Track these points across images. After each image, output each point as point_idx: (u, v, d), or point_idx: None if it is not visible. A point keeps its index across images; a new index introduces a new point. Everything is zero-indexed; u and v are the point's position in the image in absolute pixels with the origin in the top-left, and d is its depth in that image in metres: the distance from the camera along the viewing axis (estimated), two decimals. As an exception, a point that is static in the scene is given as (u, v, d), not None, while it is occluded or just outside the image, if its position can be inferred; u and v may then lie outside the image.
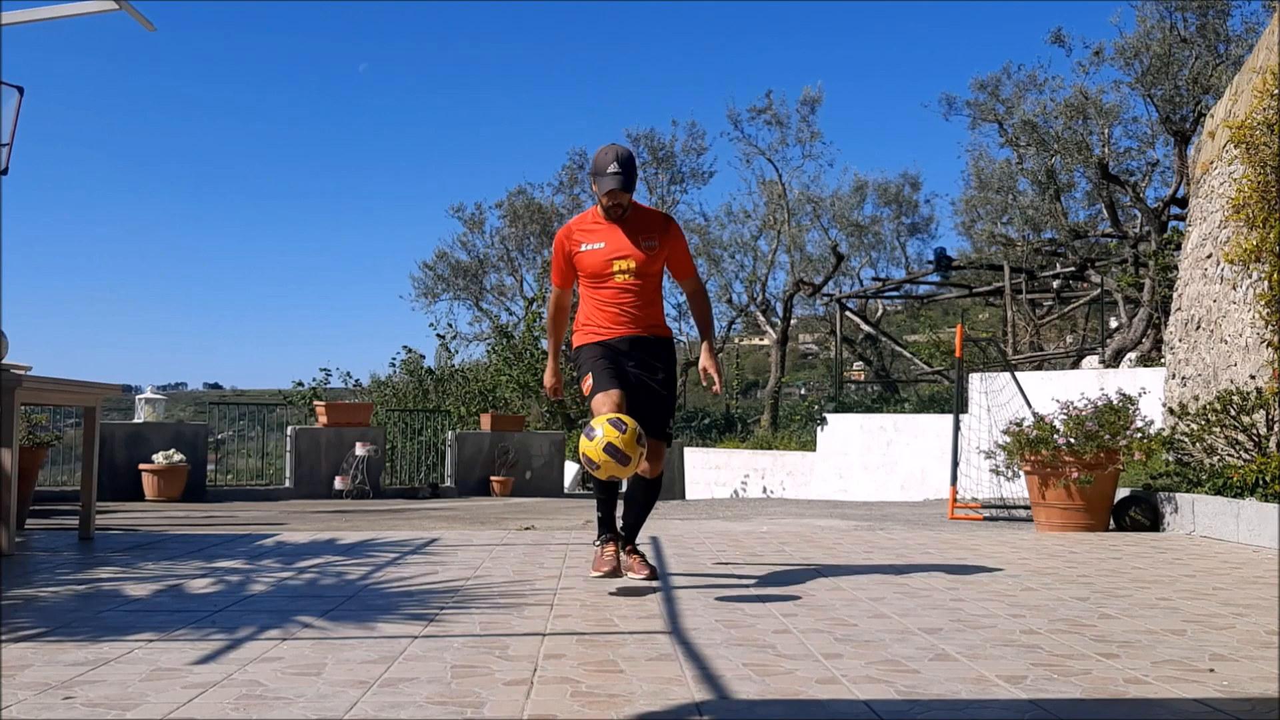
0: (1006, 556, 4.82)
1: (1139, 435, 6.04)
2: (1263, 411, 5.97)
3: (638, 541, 4.19)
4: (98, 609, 3.32)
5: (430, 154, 73.04)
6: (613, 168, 3.87)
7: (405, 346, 19.90)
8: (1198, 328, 6.90)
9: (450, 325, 20.52)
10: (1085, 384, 11.04)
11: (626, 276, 3.94)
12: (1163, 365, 7.73)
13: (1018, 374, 9.15)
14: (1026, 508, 6.72)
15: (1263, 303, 6.07)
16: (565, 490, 14.08)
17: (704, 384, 4.10)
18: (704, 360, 4.15)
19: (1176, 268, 8.62)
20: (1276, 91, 6.17)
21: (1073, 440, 5.98)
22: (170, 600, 3.53)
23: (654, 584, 3.86)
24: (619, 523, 4.02)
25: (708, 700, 2.26)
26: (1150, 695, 2.32)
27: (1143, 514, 6.13)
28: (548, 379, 4.31)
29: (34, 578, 4.03)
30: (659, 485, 4.06)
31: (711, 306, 4.34)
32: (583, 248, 3.99)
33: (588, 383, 3.90)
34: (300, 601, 3.48)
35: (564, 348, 4.43)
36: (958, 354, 8.33)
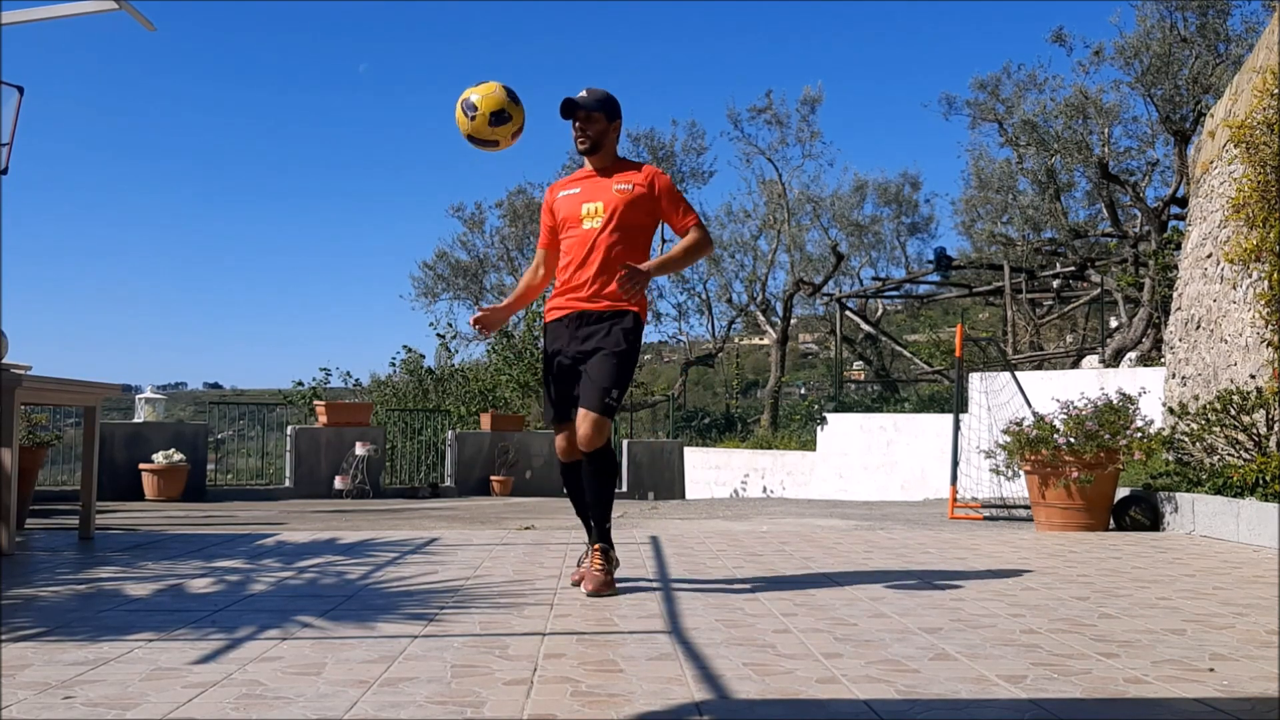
0: (1006, 556, 4.82)
1: (1139, 435, 6.04)
2: (1263, 411, 5.96)
3: (612, 538, 3.83)
4: (98, 609, 3.32)
5: (430, 153, 73.10)
6: (580, 93, 3.75)
7: (405, 346, 19.92)
8: (1198, 327, 6.90)
9: (450, 325, 20.50)
10: (1085, 383, 11.04)
11: (594, 221, 3.70)
12: (1163, 365, 7.73)
13: (1018, 373, 9.16)
14: (1026, 507, 6.72)
15: (1263, 302, 6.07)
16: (564, 490, 14.07)
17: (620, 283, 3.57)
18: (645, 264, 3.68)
19: (1176, 267, 8.64)
20: (1276, 91, 6.17)
21: (1073, 440, 5.98)
22: (170, 600, 3.52)
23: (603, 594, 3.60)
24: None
25: (708, 700, 2.26)
26: (1150, 695, 2.32)
27: (1143, 513, 6.13)
28: (484, 309, 3.87)
29: (34, 577, 4.03)
30: (607, 464, 3.69)
31: (699, 254, 3.83)
32: (560, 194, 3.84)
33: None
34: (300, 601, 3.48)
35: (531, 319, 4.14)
36: (958, 354, 8.33)
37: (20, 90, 5.40)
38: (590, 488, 3.76)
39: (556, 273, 3.88)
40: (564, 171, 24.52)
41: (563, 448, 3.83)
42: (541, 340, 3.93)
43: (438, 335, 19.95)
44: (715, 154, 53.82)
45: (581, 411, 3.63)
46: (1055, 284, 21.72)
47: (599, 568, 3.69)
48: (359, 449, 11.80)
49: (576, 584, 3.77)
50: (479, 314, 3.88)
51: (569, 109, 3.73)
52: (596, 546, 3.75)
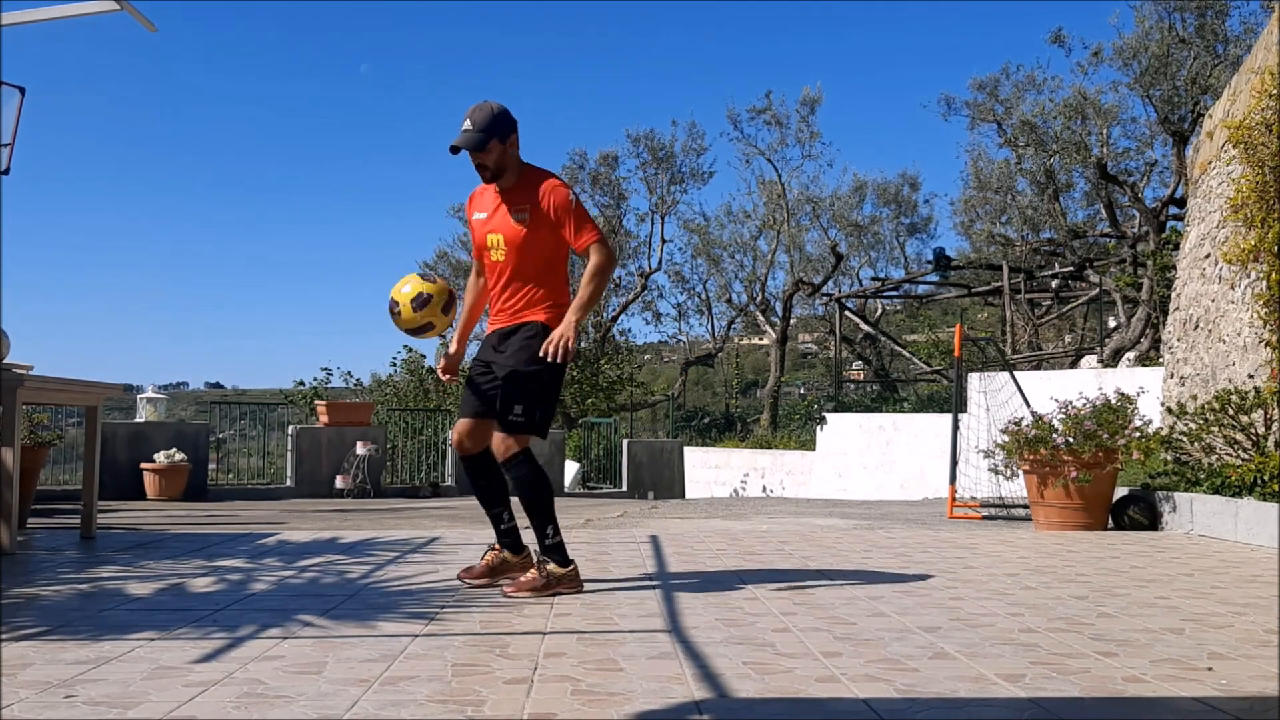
0: (1005, 555, 4.83)
1: (1137, 434, 6.05)
2: (1261, 411, 5.97)
3: (558, 550, 3.66)
4: (99, 608, 3.33)
5: (431, 153, 73.20)
6: (464, 127, 3.57)
7: (406, 346, 19.92)
8: (1196, 327, 6.91)
9: (451, 325, 20.51)
10: (1084, 383, 11.05)
11: (499, 254, 3.66)
12: (1161, 365, 7.74)
13: (1016, 373, 9.16)
14: (1025, 507, 6.73)
15: (1260, 302, 6.08)
16: (565, 489, 14.08)
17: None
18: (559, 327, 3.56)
19: (1175, 267, 8.65)
20: (1275, 92, 6.18)
21: (1071, 439, 5.99)
22: (172, 599, 3.53)
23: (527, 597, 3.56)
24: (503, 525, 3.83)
25: (708, 699, 2.27)
26: (1149, 694, 2.33)
27: (1141, 513, 6.14)
28: (440, 358, 3.92)
29: (36, 576, 4.04)
30: (523, 473, 3.60)
31: (605, 277, 3.65)
32: (474, 216, 3.78)
33: None
34: (301, 600, 3.49)
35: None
36: (957, 353, 8.34)
37: (22, 91, 5.40)
38: (520, 501, 3.69)
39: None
40: (563, 173, 24.53)
41: (456, 441, 3.82)
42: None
43: (438, 335, 19.93)
44: (715, 154, 53.77)
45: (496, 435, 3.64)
46: (1054, 284, 21.73)
47: (530, 576, 3.61)
48: (360, 448, 11.80)
49: (476, 584, 3.72)
50: (442, 365, 3.97)
51: (455, 152, 3.62)
52: (537, 559, 3.67)
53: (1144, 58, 16.22)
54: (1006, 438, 6.37)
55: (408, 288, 3.64)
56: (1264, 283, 6.07)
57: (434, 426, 14.82)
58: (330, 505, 10.12)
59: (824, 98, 26.84)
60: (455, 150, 3.61)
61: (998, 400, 8.16)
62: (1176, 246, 12.94)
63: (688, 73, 69.89)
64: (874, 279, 26.31)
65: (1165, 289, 14.07)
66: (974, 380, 11.50)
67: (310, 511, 8.94)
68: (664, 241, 26.13)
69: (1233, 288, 6.47)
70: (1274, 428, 5.97)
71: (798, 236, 26.09)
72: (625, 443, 15.56)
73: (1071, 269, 19.89)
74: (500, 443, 3.60)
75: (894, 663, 2.60)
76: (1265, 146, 6.18)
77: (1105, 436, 5.95)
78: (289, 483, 11.92)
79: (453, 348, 4.03)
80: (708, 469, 19.28)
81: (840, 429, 16.92)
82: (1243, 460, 5.92)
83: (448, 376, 4.01)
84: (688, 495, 16.02)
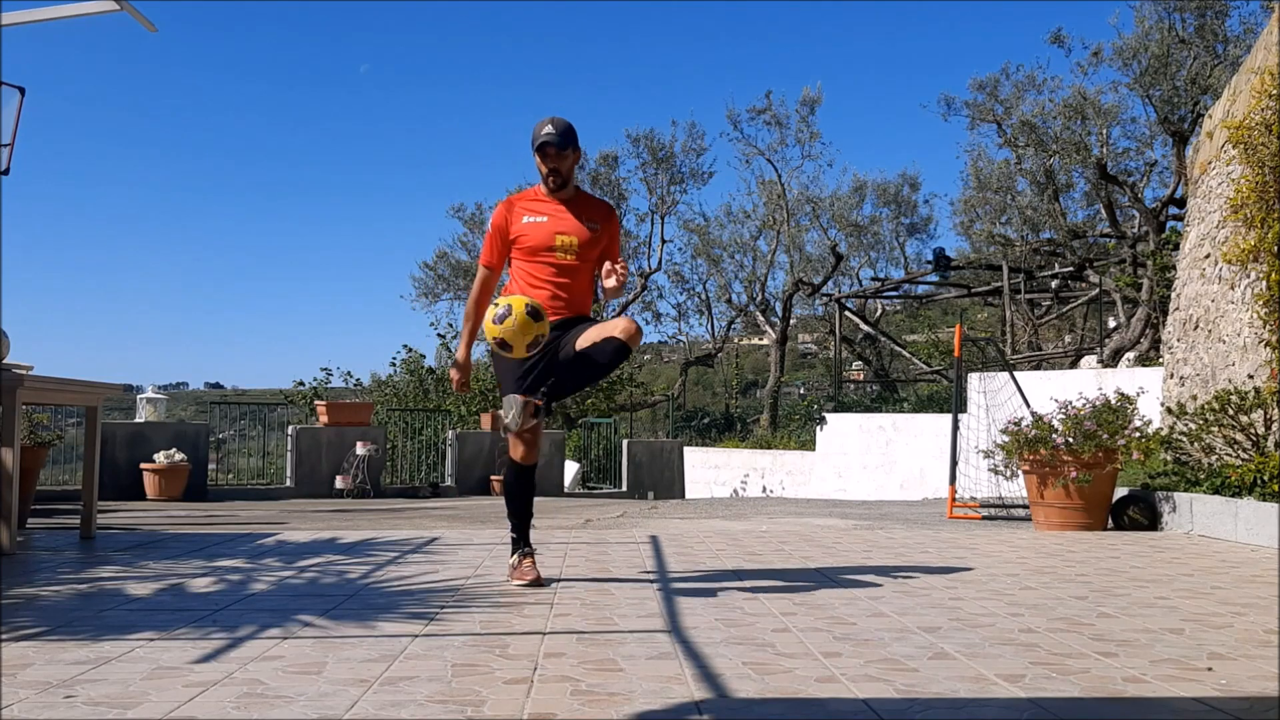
0: (1005, 555, 4.83)
1: (1137, 435, 6.05)
2: (1260, 411, 5.98)
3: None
4: (99, 608, 3.33)
5: (431, 154, 73.28)
6: (547, 129, 3.77)
7: (406, 346, 19.92)
8: (1196, 327, 6.91)
9: (451, 325, 20.50)
10: (1084, 383, 11.05)
11: (567, 255, 3.83)
12: (1161, 365, 7.74)
13: (1016, 373, 9.16)
14: (1025, 507, 6.73)
15: (1260, 302, 6.08)
16: (565, 490, 14.09)
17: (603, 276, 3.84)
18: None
19: (1174, 267, 8.65)
20: (1275, 92, 6.18)
21: (1071, 440, 5.99)
22: (171, 599, 3.53)
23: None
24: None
25: (707, 699, 2.27)
26: (1149, 694, 2.33)
27: (1141, 513, 6.14)
28: (454, 370, 4.05)
29: (35, 576, 4.04)
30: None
31: (614, 294, 4.00)
32: (524, 220, 3.86)
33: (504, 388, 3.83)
34: (301, 600, 3.49)
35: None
36: (956, 354, 8.34)
37: (22, 91, 5.40)
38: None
39: (520, 290, 3.86)
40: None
41: (523, 453, 3.94)
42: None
43: (438, 335, 19.93)
44: (715, 154, 53.71)
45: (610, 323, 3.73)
46: (1054, 284, 21.74)
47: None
48: (360, 449, 11.81)
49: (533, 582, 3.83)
50: (457, 379, 4.06)
51: (544, 150, 3.79)
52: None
53: (1144, 58, 16.23)
54: (1006, 438, 6.37)
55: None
56: (1264, 283, 6.07)
57: (434, 426, 14.82)
58: (330, 505, 10.12)
59: (824, 98, 26.81)
60: (550, 146, 3.77)
61: (997, 400, 8.16)
62: (1176, 247, 12.95)
63: (688, 73, 69.95)
64: (874, 279, 26.32)
65: (1165, 289, 14.08)
66: (974, 380, 11.50)
67: (310, 511, 8.94)
68: (664, 241, 26.16)
69: (1232, 288, 6.47)
70: (1274, 428, 5.97)
71: (798, 236, 26.10)
72: (625, 443, 15.56)
73: (1071, 269, 19.89)
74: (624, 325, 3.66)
75: (894, 663, 2.60)
76: (1265, 146, 6.18)
77: (1105, 436, 5.95)
78: (289, 483, 11.93)
79: (461, 355, 4.07)
80: (708, 469, 19.28)
81: (840, 429, 16.92)
82: (1242, 460, 5.92)
83: (463, 389, 4.10)
84: (688, 495, 16.02)
